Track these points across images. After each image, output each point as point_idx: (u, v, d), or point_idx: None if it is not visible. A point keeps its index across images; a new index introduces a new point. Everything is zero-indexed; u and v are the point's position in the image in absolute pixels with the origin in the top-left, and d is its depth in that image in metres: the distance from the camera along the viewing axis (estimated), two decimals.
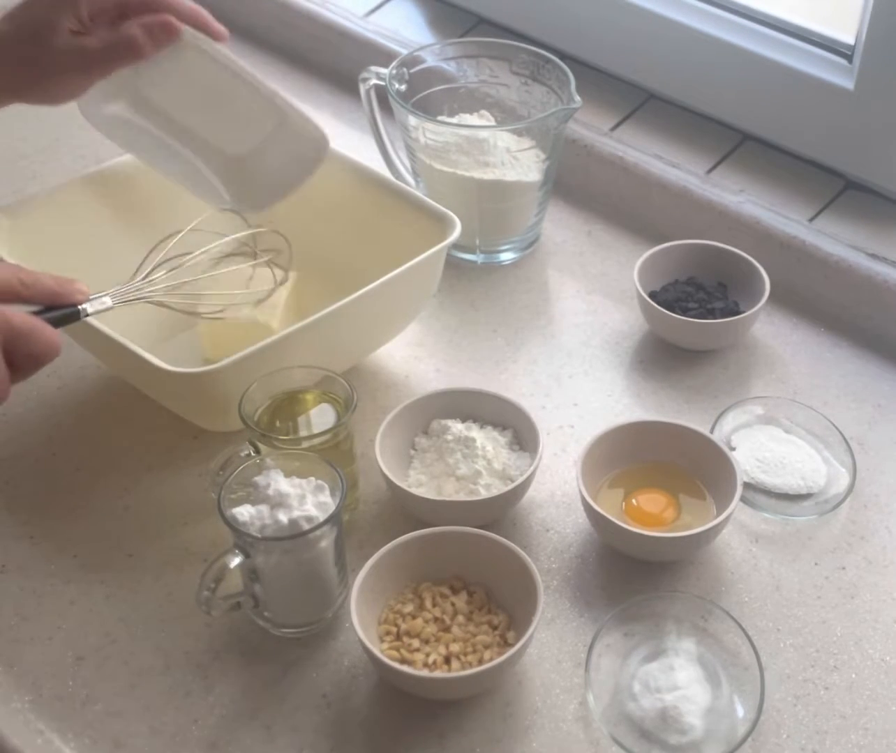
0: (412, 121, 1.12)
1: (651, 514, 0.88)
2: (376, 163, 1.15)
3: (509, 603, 0.81)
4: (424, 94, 1.18)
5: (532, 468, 0.88)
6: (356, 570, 0.80)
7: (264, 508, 0.79)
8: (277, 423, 0.87)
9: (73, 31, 0.89)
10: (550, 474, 0.93)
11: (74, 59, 0.90)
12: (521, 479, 0.87)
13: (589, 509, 0.86)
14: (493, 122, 1.18)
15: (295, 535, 0.77)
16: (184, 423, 0.93)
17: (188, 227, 0.95)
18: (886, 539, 0.90)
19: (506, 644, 0.79)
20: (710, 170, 1.20)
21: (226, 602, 0.79)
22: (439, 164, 1.12)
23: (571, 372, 1.04)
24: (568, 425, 0.98)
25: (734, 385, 1.02)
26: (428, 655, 0.78)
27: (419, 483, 0.90)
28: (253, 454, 0.83)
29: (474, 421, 0.94)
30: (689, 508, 0.89)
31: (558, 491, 0.92)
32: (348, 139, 1.29)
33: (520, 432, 0.93)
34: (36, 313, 0.76)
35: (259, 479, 0.80)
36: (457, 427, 0.92)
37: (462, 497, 0.88)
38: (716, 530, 0.85)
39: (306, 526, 0.77)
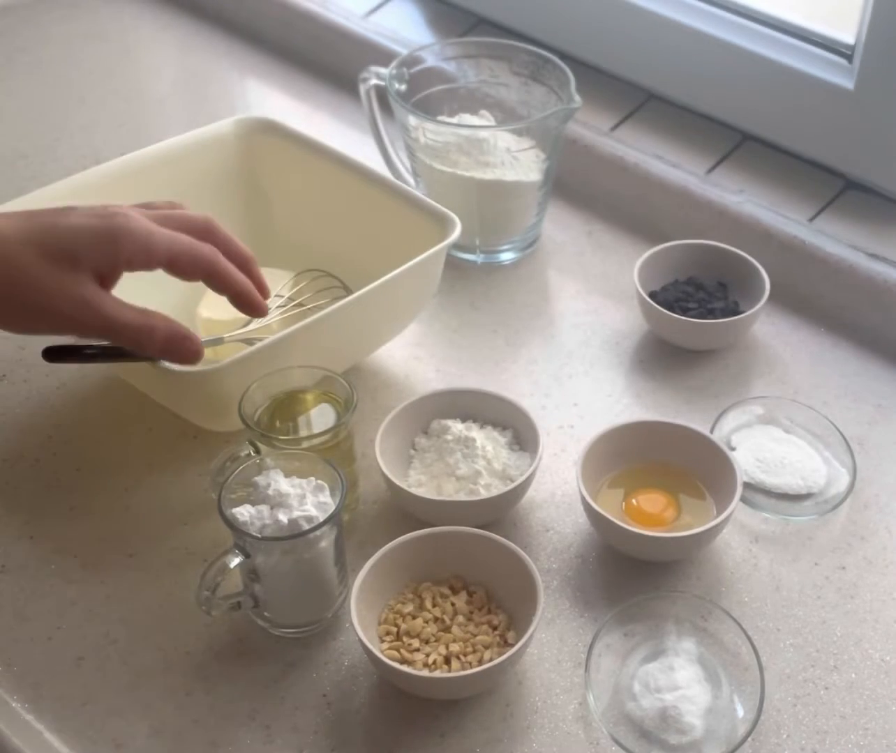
0: (412, 121, 1.12)
1: (651, 514, 0.88)
2: (376, 163, 1.15)
3: (509, 603, 0.81)
4: (424, 94, 1.18)
5: (532, 468, 0.88)
6: (356, 570, 0.80)
7: (264, 508, 0.79)
8: (277, 423, 0.87)
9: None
10: (550, 474, 0.93)
11: (80, 309, 0.80)
12: (521, 479, 0.87)
13: (589, 509, 0.86)
14: (493, 122, 1.18)
15: (295, 535, 0.77)
16: (184, 423, 0.93)
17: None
18: (886, 539, 0.90)
19: (506, 644, 0.79)
20: (710, 170, 1.20)
21: (226, 602, 0.79)
22: (439, 164, 1.12)
23: (571, 372, 1.04)
24: (568, 425, 0.98)
25: (734, 385, 1.02)
26: (428, 655, 0.78)
27: (419, 483, 0.90)
28: (253, 454, 0.83)
29: (474, 421, 0.94)
30: (689, 508, 0.89)
31: (558, 491, 0.92)
32: (348, 139, 1.29)
33: (520, 432, 0.93)
34: None
35: (259, 479, 0.80)
36: (457, 427, 0.92)
37: (462, 497, 0.88)
38: (716, 530, 0.85)
39: (306, 526, 0.77)
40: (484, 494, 0.87)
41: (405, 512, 0.89)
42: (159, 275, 1.03)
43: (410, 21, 1.42)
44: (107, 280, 0.81)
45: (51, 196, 0.99)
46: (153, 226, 0.81)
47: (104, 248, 0.79)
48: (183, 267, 0.82)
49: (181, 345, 0.82)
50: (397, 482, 0.87)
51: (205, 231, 0.84)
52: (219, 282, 0.84)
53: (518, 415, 0.93)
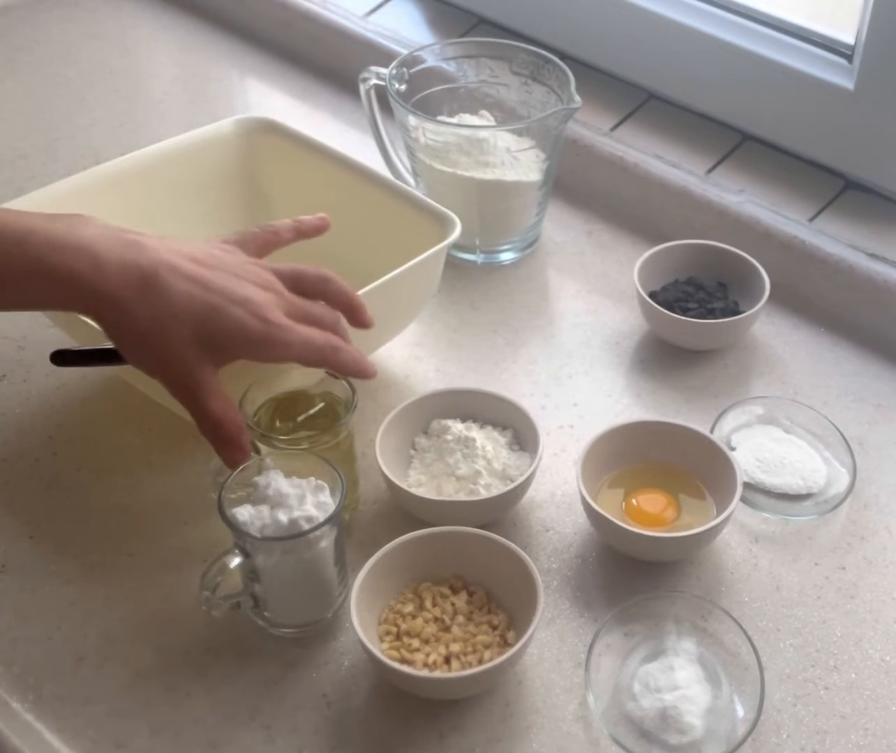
0: (412, 121, 1.12)
1: (651, 514, 0.88)
2: (376, 163, 1.15)
3: (509, 603, 0.81)
4: (424, 94, 1.18)
5: (532, 468, 0.88)
6: (356, 570, 0.80)
7: (264, 508, 0.79)
8: (277, 423, 0.87)
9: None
10: (550, 474, 0.93)
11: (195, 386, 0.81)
12: (521, 479, 0.87)
13: (589, 509, 0.86)
14: (493, 122, 1.18)
15: (295, 535, 0.77)
16: (184, 423, 0.93)
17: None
18: (886, 539, 0.90)
19: (506, 644, 0.79)
20: (710, 170, 1.20)
21: (226, 602, 0.79)
22: (439, 164, 1.12)
23: (571, 372, 1.04)
24: (568, 425, 0.98)
25: (734, 385, 1.02)
26: (428, 655, 0.78)
27: (419, 483, 0.90)
28: (253, 454, 0.83)
29: (474, 421, 0.94)
30: (689, 508, 0.89)
31: (558, 491, 0.92)
32: (348, 139, 1.29)
33: (520, 432, 0.93)
34: None
35: (259, 479, 0.80)
36: (457, 427, 0.92)
37: (462, 497, 0.88)
38: (716, 530, 0.85)
39: (306, 526, 0.77)
40: (484, 494, 0.87)
41: (405, 511, 0.89)
42: None
43: (410, 21, 1.42)
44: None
45: (51, 196, 0.99)
46: (295, 335, 0.79)
47: (251, 353, 0.79)
48: (307, 363, 0.82)
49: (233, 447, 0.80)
50: (397, 482, 0.87)
51: (324, 290, 0.85)
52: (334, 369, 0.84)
53: (518, 415, 0.93)
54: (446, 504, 0.87)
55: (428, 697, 0.78)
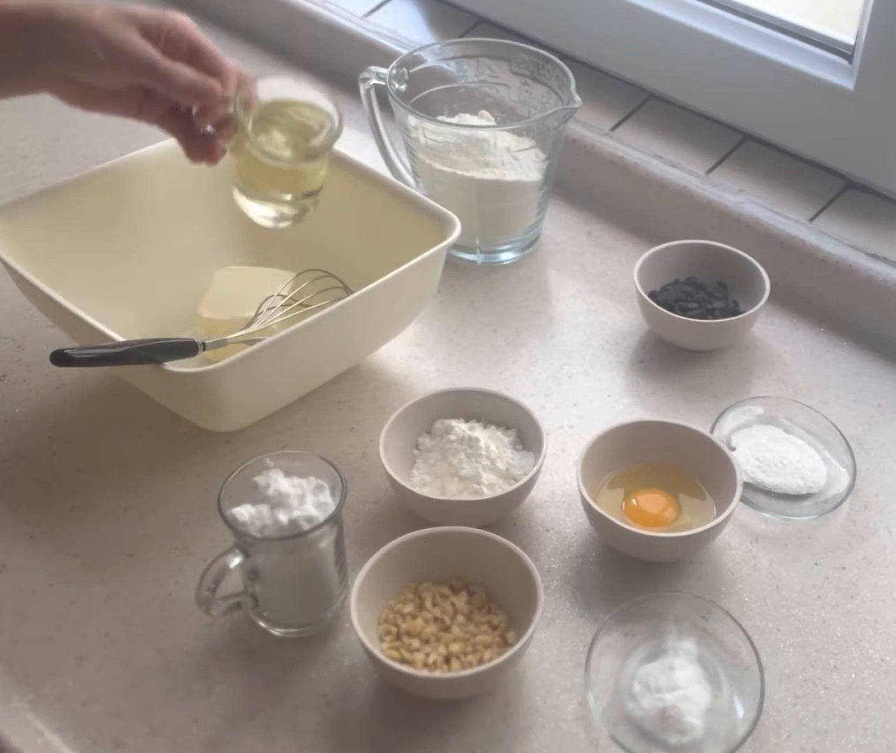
0: (412, 121, 1.12)
1: (651, 514, 0.88)
2: (376, 163, 1.15)
3: (509, 603, 0.81)
4: (424, 94, 1.18)
5: (536, 467, 0.88)
6: (356, 570, 0.80)
7: (264, 508, 0.79)
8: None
9: None
10: (550, 474, 0.93)
11: (129, 97, 0.92)
12: (525, 479, 0.87)
13: (589, 509, 0.86)
14: (493, 122, 1.18)
15: (295, 535, 0.77)
16: (184, 423, 0.93)
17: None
18: (886, 539, 0.90)
19: (506, 644, 0.79)
20: (710, 170, 1.20)
21: (226, 602, 0.79)
22: (439, 164, 1.12)
23: (571, 372, 1.04)
24: (568, 425, 0.98)
25: (734, 385, 1.02)
26: (428, 655, 0.78)
27: (423, 483, 0.90)
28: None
29: (478, 421, 0.93)
30: (689, 508, 0.89)
31: (558, 491, 0.92)
32: (348, 139, 1.28)
33: (523, 432, 0.93)
34: (155, 343, 0.86)
35: (259, 479, 0.80)
36: (460, 427, 0.92)
37: (466, 496, 0.88)
38: (716, 530, 0.85)
39: (306, 526, 0.77)
40: (488, 494, 0.87)
41: (408, 511, 0.89)
42: (159, 277, 1.03)
43: (410, 21, 1.42)
44: None
45: (51, 196, 0.99)
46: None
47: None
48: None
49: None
50: (402, 482, 0.87)
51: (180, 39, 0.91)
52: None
53: (522, 415, 0.93)
54: (451, 503, 0.87)
55: (428, 697, 0.78)
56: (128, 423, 0.97)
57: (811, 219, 1.13)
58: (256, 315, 0.96)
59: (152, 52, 0.88)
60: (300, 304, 0.96)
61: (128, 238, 1.02)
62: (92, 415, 0.98)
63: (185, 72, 0.89)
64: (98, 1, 0.89)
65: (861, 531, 0.90)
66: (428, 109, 1.16)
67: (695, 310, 1.05)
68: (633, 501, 0.89)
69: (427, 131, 1.11)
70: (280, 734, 0.77)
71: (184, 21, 0.91)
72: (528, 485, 0.88)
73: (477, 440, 0.90)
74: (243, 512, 0.78)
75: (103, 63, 0.87)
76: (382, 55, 1.31)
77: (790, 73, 1.16)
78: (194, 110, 0.93)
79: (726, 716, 0.76)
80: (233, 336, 0.92)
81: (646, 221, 1.19)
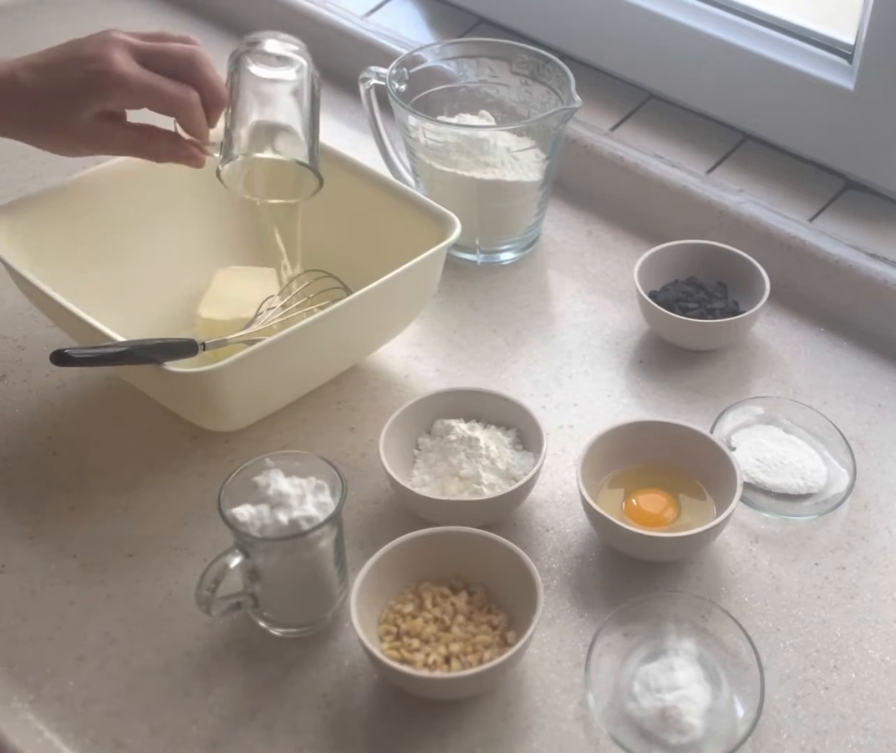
0: (412, 121, 1.12)
1: (651, 514, 0.88)
2: (376, 163, 1.15)
3: (509, 603, 0.81)
4: (424, 94, 1.18)
5: (536, 467, 0.88)
6: (356, 570, 0.80)
7: (264, 508, 0.79)
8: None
9: (100, 114, 0.90)
10: (550, 474, 0.93)
11: (93, 140, 0.92)
12: (525, 479, 0.87)
13: (589, 509, 0.86)
14: (493, 122, 1.18)
15: (295, 535, 0.77)
16: (184, 423, 0.93)
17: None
18: (886, 539, 0.90)
19: (506, 644, 0.79)
20: (710, 170, 1.20)
21: (226, 602, 0.79)
22: (439, 164, 1.12)
23: (571, 372, 1.04)
24: (568, 425, 0.98)
25: (734, 385, 1.02)
26: (428, 655, 0.78)
27: (423, 483, 0.90)
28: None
29: (478, 421, 0.93)
30: (689, 508, 0.89)
31: (558, 491, 0.92)
32: (348, 139, 1.29)
33: (523, 432, 0.93)
34: (155, 343, 0.86)
35: (259, 479, 0.80)
36: (460, 427, 0.92)
37: (466, 497, 0.88)
38: (716, 530, 0.85)
39: (306, 526, 0.77)
40: (488, 494, 0.87)
41: (408, 511, 0.89)
42: (159, 277, 1.03)
43: (410, 21, 1.42)
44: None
45: (51, 196, 0.99)
46: (132, 72, 0.89)
47: (97, 98, 0.89)
48: (158, 109, 0.91)
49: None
50: (402, 482, 0.87)
51: (189, 67, 0.91)
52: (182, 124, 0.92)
53: (522, 415, 0.93)
54: (451, 504, 0.87)
55: (428, 697, 0.78)
56: (128, 423, 0.97)
57: (811, 219, 1.13)
58: (256, 315, 0.96)
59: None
60: (300, 304, 0.96)
61: (128, 238, 1.02)
62: (92, 415, 0.98)
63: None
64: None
65: (861, 531, 0.90)
66: (428, 109, 1.16)
67: (695, 310, 1.05)
68: (633, 501, 0.89)
69: (427, 131, 1.11)
70: (280, 734, 0.77)
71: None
72: (528, 485, 0.88)
73: (477, 440, 0.90)
74: (243, 512, 0.78)
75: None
76: (382, 55, 1.31)
77: (790, 73, 1.16)
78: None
79: (726, 716, 0.76)
80: (233, 336, 0.92)
81: (646, 221, 1.19)
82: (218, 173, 0.93)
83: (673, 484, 0.90)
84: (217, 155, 0.93)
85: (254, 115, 0.93)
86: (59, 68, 0.90)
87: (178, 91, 0.90)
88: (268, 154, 0.93)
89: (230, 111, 0.93)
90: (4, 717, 0.77)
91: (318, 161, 0.94)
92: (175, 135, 0.93)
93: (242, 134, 0.92)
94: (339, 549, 0.81)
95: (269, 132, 0.93)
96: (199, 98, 0.91)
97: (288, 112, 0.94)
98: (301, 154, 0.94)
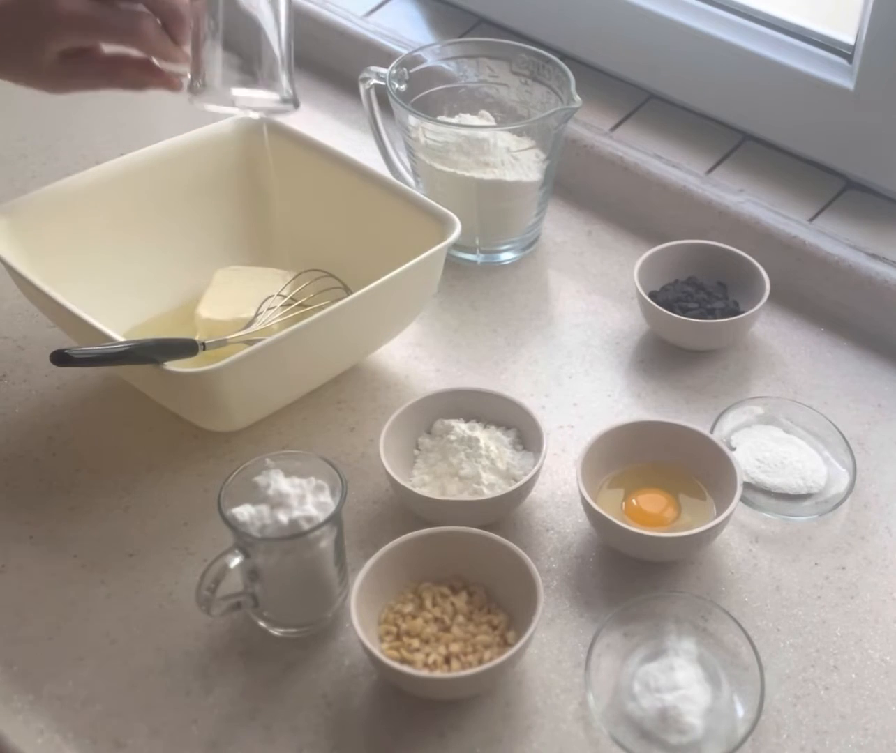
0: (412, 121, 1.12)
1: (651, 514, 0.88)
2: (376, 163, 1.15)
3: (509, 603, 0.81)
4: (424, 94, 1.18)
5: (536, 467, 0.88)
6: (356, 570, 0.80)
7: (264, 508, 0.79)
8: None
9: (65, 52, 0.89)
10: (550, 474, 0.93)
11: (64, 79, 0.91)
12: (525, 479, 0.87)
13: (589, 509, 0.86)
14: (493, 122, 1.18)
15: (295, 535, 0.77)
16: (184, 423, 0.93)
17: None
18: (886, 539, 0.90)
19: (506, 644, 0.79)
20: (710, 170, 1.20)
21: (226, 602, 0.79)
22: (439, 164, 1.12)
23: (571, 372, 1.04)
24: (568, 425, 0.98)
25: (734, 385, 1.02)
26: (428, 655, 0.78)
27: (423, 483, 0.90)
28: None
29: (478, 421, 0.93)
30: (689, 508, 0.89)
31: (558, 491, 0.92)
32: (348, 139, 1.29)
33: (523, 432, 0.93)
34: (155, 343, 0.85)
35: (259, 479, 0.80)
36: (460, 427, 0.92)
37: (466, 497, 0.88)
38: (716, 530, 0.85)
39: (306, 526, 0.77)
40: (488, 494, 0.87)
41: (408, 511, 0.89)
42: (159, 277, 1.04)
43: (410, 21, 1.42)
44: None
45: (51, 196, 0.99)
46: (78, 9, 0.87)
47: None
48: (113, 43, 0.89)
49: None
50: (401, 482, 0.87)
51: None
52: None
53: (522, 415, 0.93)
54: (451, 503, 0.87)
55: (428, 697, 0.78)
56: (128, 423, 0.97)
57: (811, 219, 1.13)
58: (256, 315, 0.96)
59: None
60: (300, 304, 0.96)
61: (128, 238, 1.02)
62: (92, 415, 0.98)
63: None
64: None
65: (861, 531, 0.90)
66: (428, 109, 1.16)
67: (695, 310, 1.05)
68: (633, 501, 0.89)
69: (427, 131, 1.11)
70: (280, 734, 0.77)
71: None
72: (528, 485, 0.88)
73: (477, 440, 0.90)
74: (243, 512, 0.78)
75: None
76: (382, 55, 1.31)
77: (790, 73, 1.16)
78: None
79: (726, 716, 0.76)
80: (233, 336, 0.92)
81: (646, 221, 1.19)
82: (190, 100, 0.89)
83: (673, 484, 0.90)
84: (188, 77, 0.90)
85: (221, 22, 0.87)
86: (12, 14, 0.88)
87: (123, 21, 0.87)
88: (242, 91, 0.89)
89: (198, 28, 0.88)
90: (4, 717, 0.77)
91: (293, 76, 0.90)
92: (146, 61, 0.90)
93: (212, 58, 0.88)
94: (339, 549, 0.81)
95: (239, 45, 0.88)
96: (153, 23, 0.88)
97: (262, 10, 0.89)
98: (276, 85, 0.89)
